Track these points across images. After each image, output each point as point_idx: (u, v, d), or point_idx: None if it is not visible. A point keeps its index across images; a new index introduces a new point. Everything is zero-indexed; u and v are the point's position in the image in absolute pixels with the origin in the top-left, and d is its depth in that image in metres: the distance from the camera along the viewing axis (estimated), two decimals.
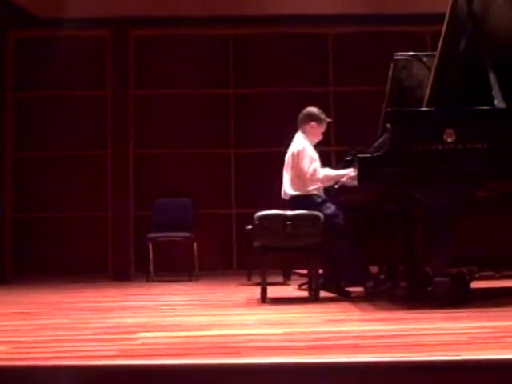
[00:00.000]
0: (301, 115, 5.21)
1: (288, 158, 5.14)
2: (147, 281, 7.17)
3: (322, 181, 4.99)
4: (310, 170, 4.92)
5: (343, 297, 4.79)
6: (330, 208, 4.89)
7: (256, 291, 4.92)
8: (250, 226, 5.54)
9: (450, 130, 3.99)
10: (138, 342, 2.97)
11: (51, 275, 7.64)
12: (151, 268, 7.25)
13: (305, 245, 4.62)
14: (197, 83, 8.26)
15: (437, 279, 3.98)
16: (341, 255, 4.82)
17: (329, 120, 5.29)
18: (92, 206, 8.14)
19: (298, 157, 5.00)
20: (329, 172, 5.00)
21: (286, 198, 5.11)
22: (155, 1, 7.69)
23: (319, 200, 4.96)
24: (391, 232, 5.16)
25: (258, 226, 4.64)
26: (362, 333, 3.11)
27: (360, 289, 4.92)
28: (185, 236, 7.41)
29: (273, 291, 5.09)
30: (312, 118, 5.17)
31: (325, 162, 5.31)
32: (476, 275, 4.61)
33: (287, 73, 8.25)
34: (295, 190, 5.02)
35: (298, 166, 5.00)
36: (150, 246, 7.33)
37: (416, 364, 2.31)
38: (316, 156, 5.05)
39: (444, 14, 4.36)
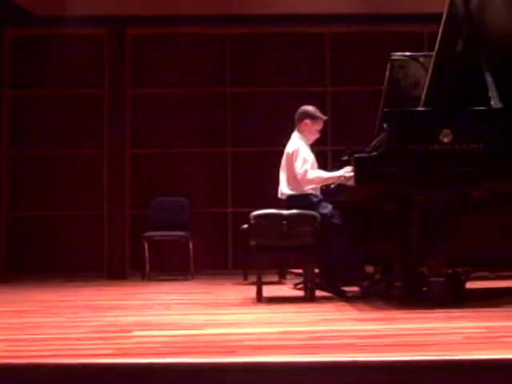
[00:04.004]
0: (296, 114, 5.21)
1: (284, 157, 5.15)
2: (143, 280, 7.16)
3: (312, 182, 4.98)
4: (301, 171, 4.92)
5: (339, 296, 4.79)
6: (327, 208, 4.90)
7: (252, 290, 4.92)
8: (245, 226, 5.54)
9: (446, 130, 3.99)
10: (134, 340, 2.96)
11: (46, 274, 7.61)
12: (147, 267, 7.23)
13: (301, 244, 4.62)
14: (194, 82, 8.24)
15: (432, 279, 3.99)
16: (337, 255, 4.82)
17: (324, 118, 5.27)
18: (88, 204, 8.12)
19: (292, 157, 5.01)
20: (321, 174, 5.00)
21: (283, 197, 5.11)
22: None
23: (315, 199, 4.96)
24: (387, 232, 5.16)
25: (253, 226, 4.64)
26: (358, 332, 3.12)
27: (355, 288, 4.93)
28: (180, 235, 7.39)
29: (268, 290, 5.09)
30: (306, 115, 5.16)
31: (321, 162, 5.31)
32: (471, 275, 4.62)
33: (284, 72, 8.24)
34: (291, 190, 5.03)
35: (291, 166, 5.00)
36: (146, 245, 7.31)
37: (411, 363, 2.31)
38: (311, 157, 5.04)
39: (441, 14, 4.36)
